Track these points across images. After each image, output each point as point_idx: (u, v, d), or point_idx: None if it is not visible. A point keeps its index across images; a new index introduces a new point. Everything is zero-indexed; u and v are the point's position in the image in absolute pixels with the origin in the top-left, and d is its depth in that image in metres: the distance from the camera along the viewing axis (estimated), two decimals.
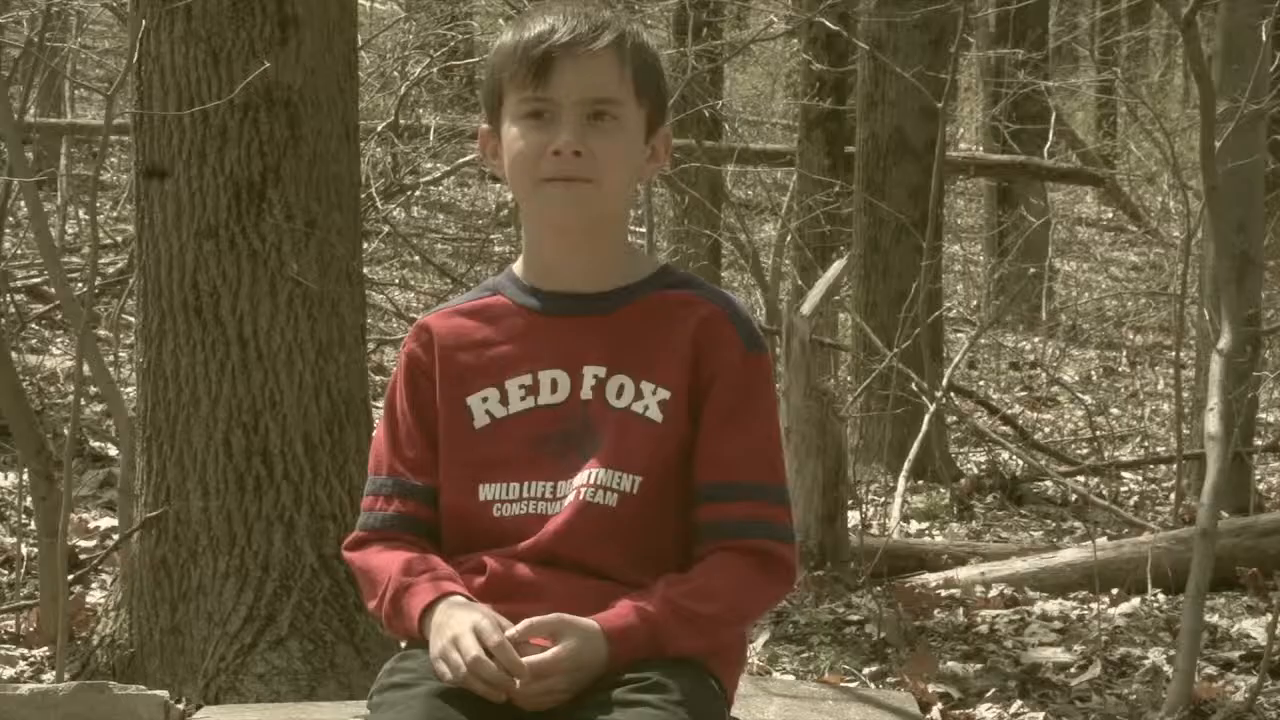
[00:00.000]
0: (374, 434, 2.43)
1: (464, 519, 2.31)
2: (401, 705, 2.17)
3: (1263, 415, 10.41)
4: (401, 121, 9.69)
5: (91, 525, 6.73)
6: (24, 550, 5.77)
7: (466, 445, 2.31)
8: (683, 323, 2.30)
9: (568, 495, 2.26)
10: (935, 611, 6.24)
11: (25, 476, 5.51)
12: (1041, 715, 5.06)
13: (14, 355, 6.39)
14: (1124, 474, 9.46)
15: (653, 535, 2.27)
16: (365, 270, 6.00)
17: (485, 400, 2.32)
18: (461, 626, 2.17)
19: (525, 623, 2.17)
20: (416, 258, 11.51)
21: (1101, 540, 7.04)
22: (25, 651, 5.17)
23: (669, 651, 2.20)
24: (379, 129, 9.31)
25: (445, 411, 2.33)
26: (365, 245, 7.30)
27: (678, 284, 2.34)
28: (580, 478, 2.26)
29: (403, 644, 2.32)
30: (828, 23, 10.14)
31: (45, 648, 5.11)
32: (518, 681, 2.14)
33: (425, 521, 2.34)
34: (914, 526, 8.04)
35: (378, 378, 9.03)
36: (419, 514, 2.34)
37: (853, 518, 7.03)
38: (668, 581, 2.23)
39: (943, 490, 8.55)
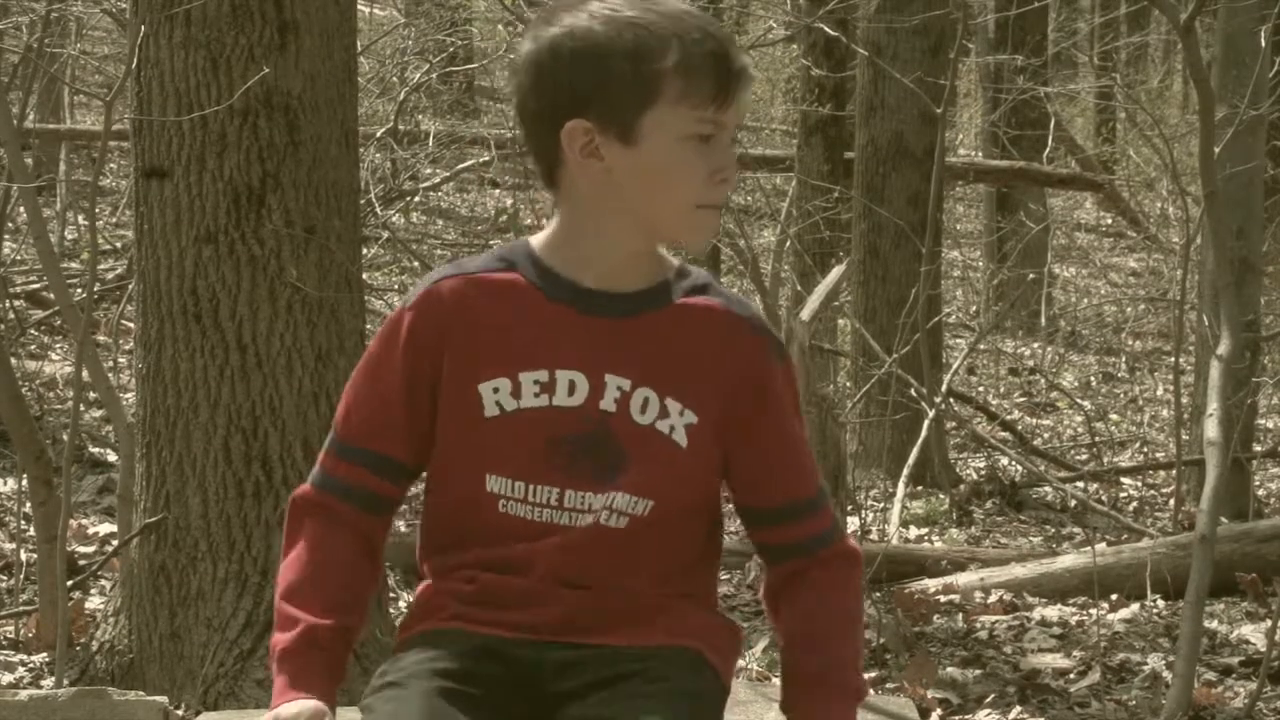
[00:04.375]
0: (348, 384, 2.32)
1: (469, 507, 2.23)
2: (401, 700, 2.14)
3: (1262, 421, 10.41)
4: (401, 127, 9.70)
5: (91, 531, 6.73)
6: (23, 556, 5.76)
7: (475, 433, 2.22)
8: (712, 339, 2.22)
9: (579, 512, 2.20)
10: (934, 617, 6.24)
11: (24, 482, 5.50)
12: None
13: (13, 361, 6.38)
14: (1123, 480, 9.46)
15: (662, 556, 2.23)
16: (364, 276, 6.00)
17: (496, 390, 2.21)
18: (288, 712, 2.16)
19: None
20: (416, 263, 11.50)
21: (1101, 546, 7.04)
22: (24, 657, 5.17)
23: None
24: (378, 134, 9.32)
25: (452, 394, 2.22)
26: (365, 251, 7.31)
27: (698, 288, 2.23)
28: (601, 500, 2.19)
29: (395, 651, 2.31)
30: (827, 28, 10.14)
31: (44, 653, 5.11)
32: None
33: (374, 494, 2.26)
34: (913, 532, 8.03)
35: None
36: (369, 485, 2.26)
37: (852, 523, 7.02)
38: (800, 651, 2.27)
39: (942, 496, 8.54)
